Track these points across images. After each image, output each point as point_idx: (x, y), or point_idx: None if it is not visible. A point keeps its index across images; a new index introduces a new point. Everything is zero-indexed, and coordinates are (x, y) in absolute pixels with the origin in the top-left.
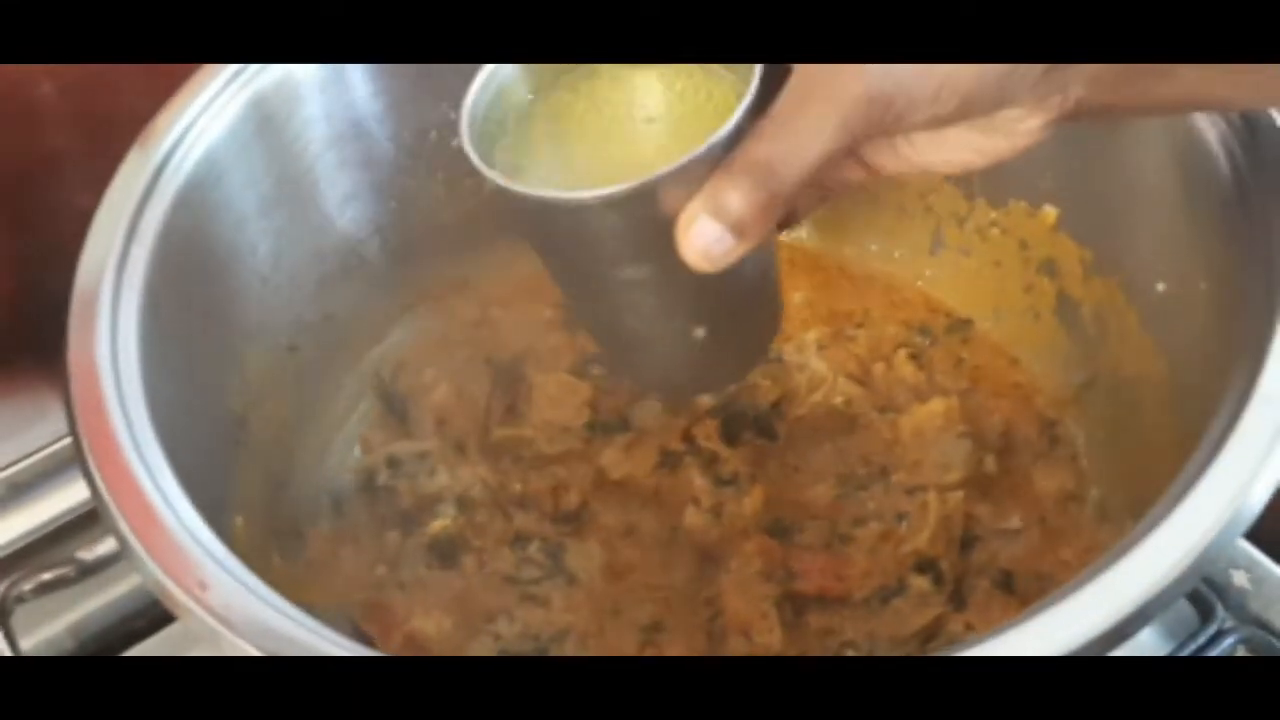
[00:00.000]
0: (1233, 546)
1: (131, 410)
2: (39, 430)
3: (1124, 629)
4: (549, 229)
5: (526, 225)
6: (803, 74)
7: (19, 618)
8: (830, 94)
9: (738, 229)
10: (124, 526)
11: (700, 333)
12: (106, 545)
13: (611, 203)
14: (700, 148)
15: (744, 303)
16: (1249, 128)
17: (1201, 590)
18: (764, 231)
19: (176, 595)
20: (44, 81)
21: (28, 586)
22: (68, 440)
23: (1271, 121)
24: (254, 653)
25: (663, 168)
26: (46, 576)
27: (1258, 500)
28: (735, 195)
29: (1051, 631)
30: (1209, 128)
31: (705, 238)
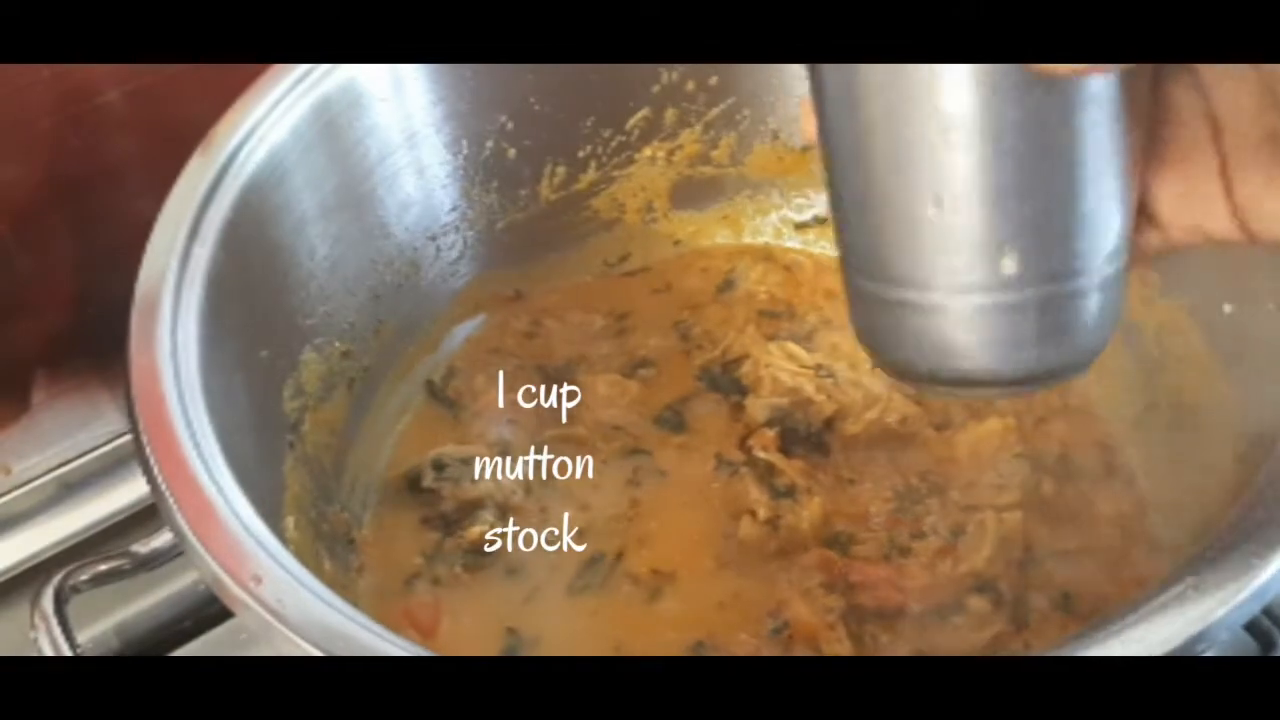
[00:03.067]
0: None
1: (190, 409)
2: (93, 430)
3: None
4: None
5: None
6: None
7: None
8: None
9: None
10: (182, 521)
11: (1011, 264)
12: (162, 539)
13: None
14: None
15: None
16: None
17: (1261, 621)
18: None
19: (231, 589)
20: (110, 89)
21: (84, 577)
22: (119, 441)
23: None
24: (306, 646)
25: None
26: (103, 567)
27: None
28: None
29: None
30: None
31: None
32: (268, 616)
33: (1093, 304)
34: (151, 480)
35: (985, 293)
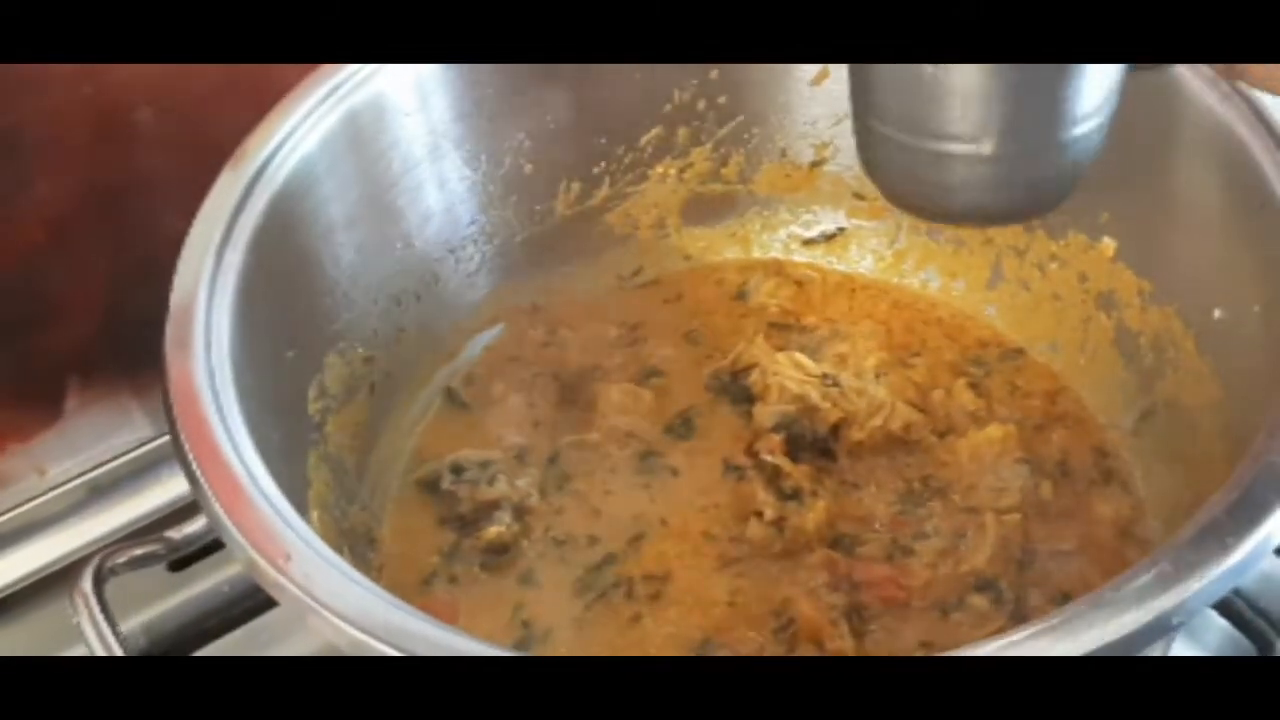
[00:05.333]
0: None
1: (224, 402)
2: (123, 436)
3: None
4: None
5: None
6: None
7: None
8: None
9: None
10: (215, 503)
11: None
12: (194, 525)
13: None
14: None
15: None
16: None
17: (1257, 623)
18: None
19: (263, 566)
20: (144, 105)
21: (121, 559)
22: (149, 446)
23: None
24: (334, 620)
25: None
26: (139, 551)
27: None
28: None
29: (1071, 637)
30: (1262, 153)
31: None
32: (297, 592)
33: (1064, 160)
34: (185, 465)
35: (969, 143)
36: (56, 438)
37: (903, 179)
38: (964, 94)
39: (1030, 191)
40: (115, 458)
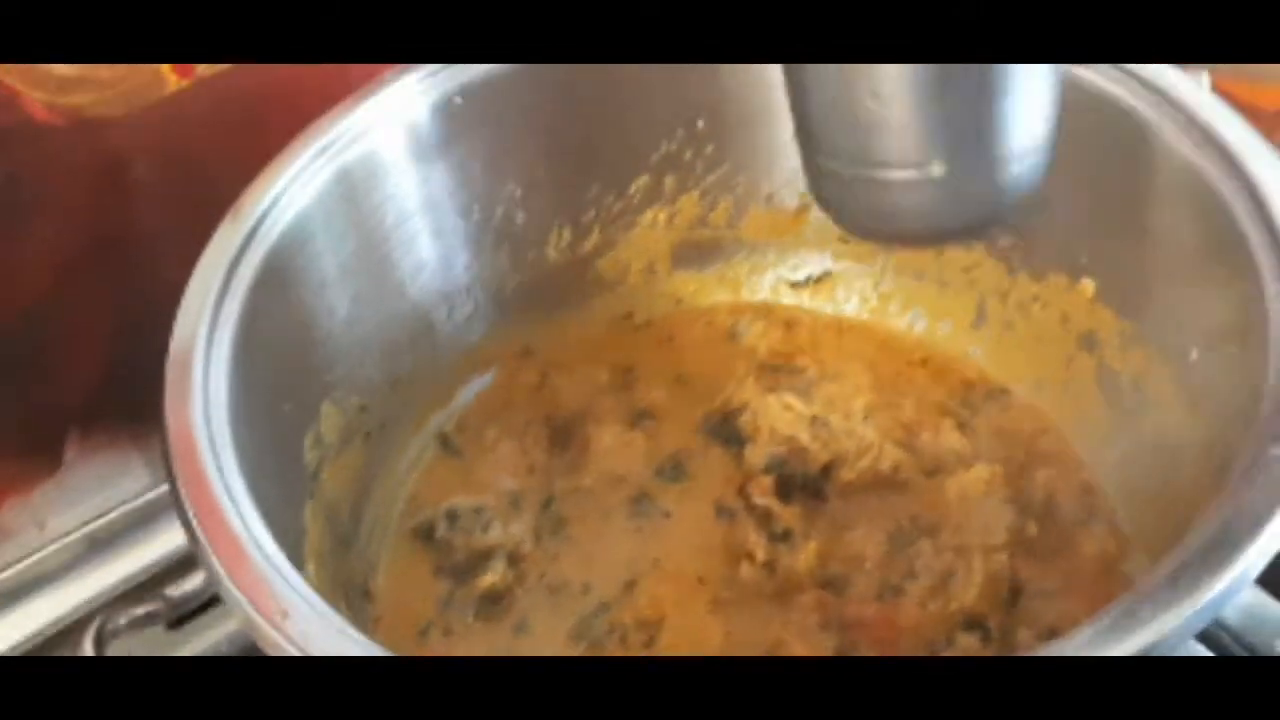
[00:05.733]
0: None
1: (222, 458)
2: (122, 488)
3: None
4: None
5: None
6: None
7: None
8: None
9: None
10: (216, 562)
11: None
12: (192, 583)
13: None
14: None
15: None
16: (1260, 198)
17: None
18: None
19: (260, 624)
20: (144, 159)
21: (122, 621)
22: (149, 497)
23: None
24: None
25: None
26: (139, 611)
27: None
28: None
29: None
30: (1233, 197)
31: None
32: (295, 651)
33: (1014, 171)
34: (185, 520)
35: (915, 169)
36: (56, 489)
37: (855, 209)
38: (903, 121)
39: (982, 205)
40: (114, 508)
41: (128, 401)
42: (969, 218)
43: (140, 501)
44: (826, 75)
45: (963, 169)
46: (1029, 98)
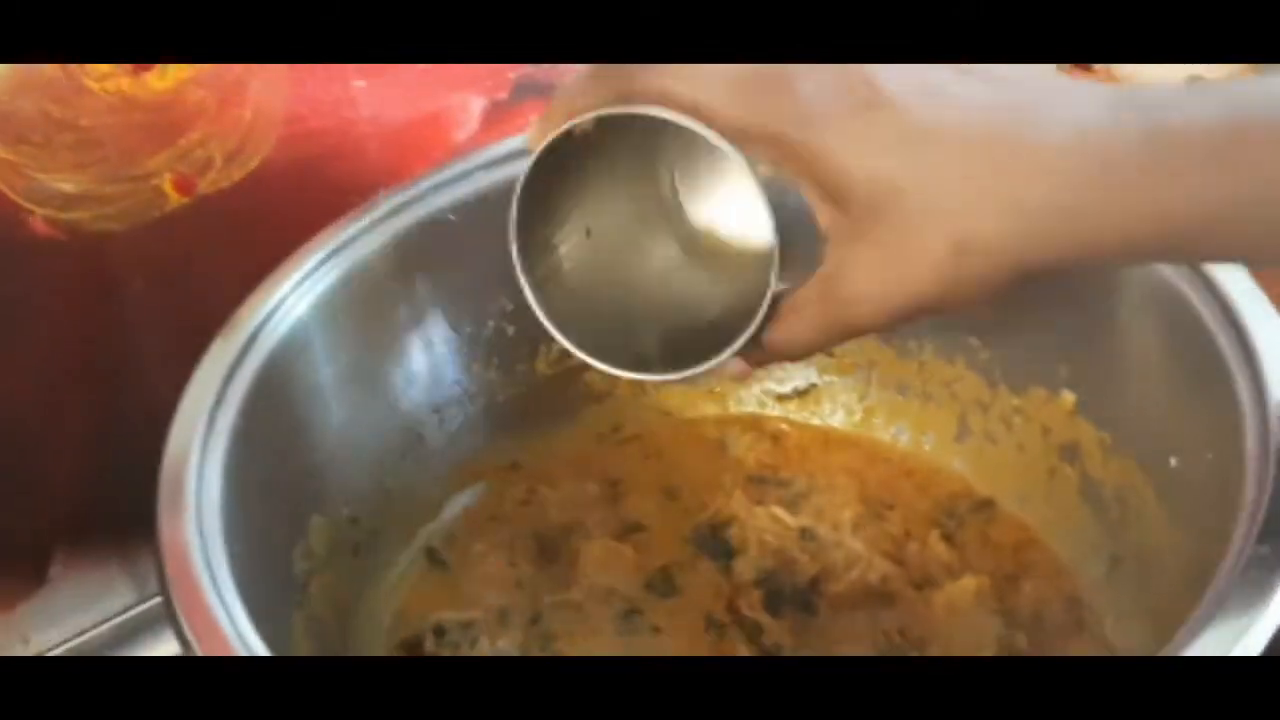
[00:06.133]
0: None
1: (216, 572)
2: (106, 604)
3: None
4: None
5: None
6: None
7: None
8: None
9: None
10: None
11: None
12: None
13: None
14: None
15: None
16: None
17: None
18: None
19: None
20: (137, 277)
21: None
22: (133, 612)
23: (1257, 302)
24: None
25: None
26: None
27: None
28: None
29: None
30: (1201, 307)
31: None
32: None
33: None
34: (178, 629)
35: None
36: (40, 605)
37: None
38: None
39: None
40: (97, 624)
41: (114, 518)
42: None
43: (124, 617)
44: None
45: None
46: None
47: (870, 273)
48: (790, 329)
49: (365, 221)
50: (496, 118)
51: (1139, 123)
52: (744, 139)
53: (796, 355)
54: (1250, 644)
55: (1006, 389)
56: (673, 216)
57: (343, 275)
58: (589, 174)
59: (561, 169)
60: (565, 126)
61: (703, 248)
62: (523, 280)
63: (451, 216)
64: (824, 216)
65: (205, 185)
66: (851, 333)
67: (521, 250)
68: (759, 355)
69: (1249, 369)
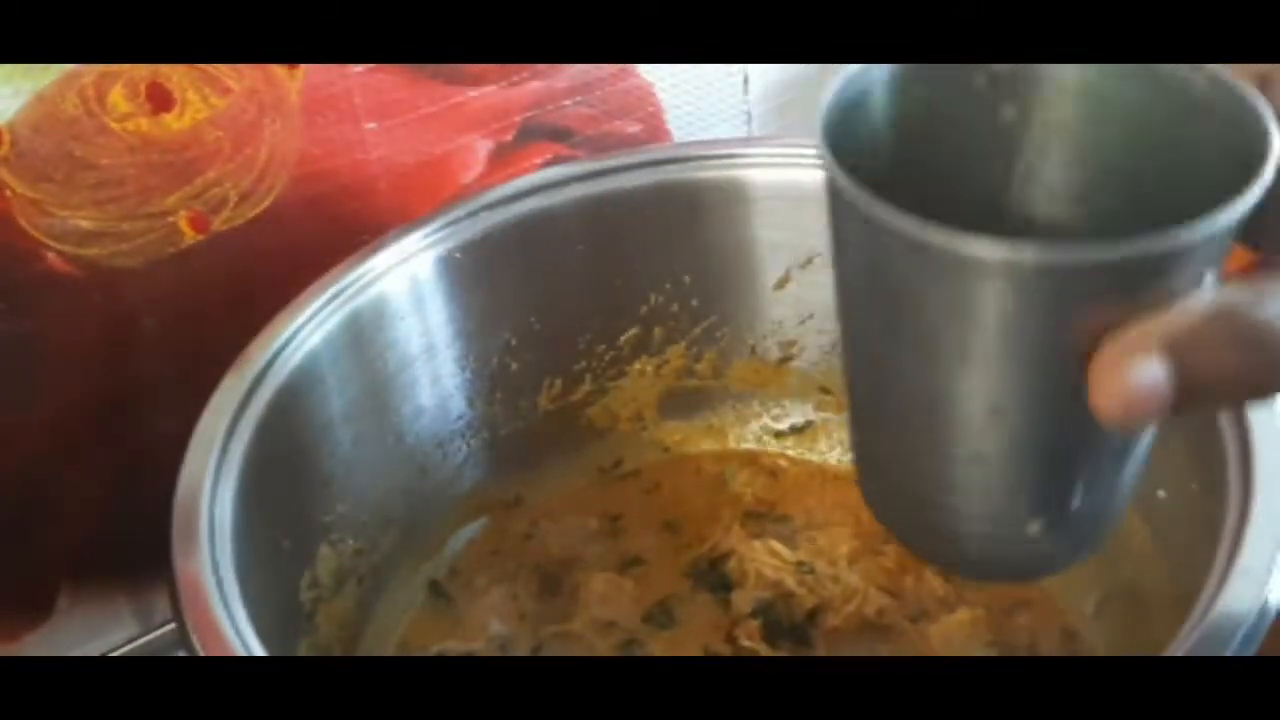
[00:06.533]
0: None
1: (230, 602)
2: (111, 636)
3: None
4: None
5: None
6: None
7: None
8: None
9: (1187, 390)
10: None
11: (1036, 528)
12: None
13: (1047, 271)
14: (1208, 225)
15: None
16: None
17: None
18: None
19: None
20: (150, 314)
21: None
22: (136, 643)
23: None
24: None
25: (1148, 242)
26: None
27: None
28: (1215, 351)
29: None
30: None
31: (1140, 380)
32: None
33: (1103, 525)
34: (191, 652)
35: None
36: (46, 638)
37: (920, 542)
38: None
39: (1056, 560)
40: (103, 655)
41: (122, 550)
42: (1040, 567)
43: (130, 647)
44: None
45: (1058, 532)
46: (1128, 477)
47: None
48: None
49: (375, 259)
50: (502, 160)
51: None
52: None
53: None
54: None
55: None
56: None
57: (352, 311)
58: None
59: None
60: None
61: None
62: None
63: (458, 255)
64: None
65: (219, 223)
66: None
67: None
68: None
69: None
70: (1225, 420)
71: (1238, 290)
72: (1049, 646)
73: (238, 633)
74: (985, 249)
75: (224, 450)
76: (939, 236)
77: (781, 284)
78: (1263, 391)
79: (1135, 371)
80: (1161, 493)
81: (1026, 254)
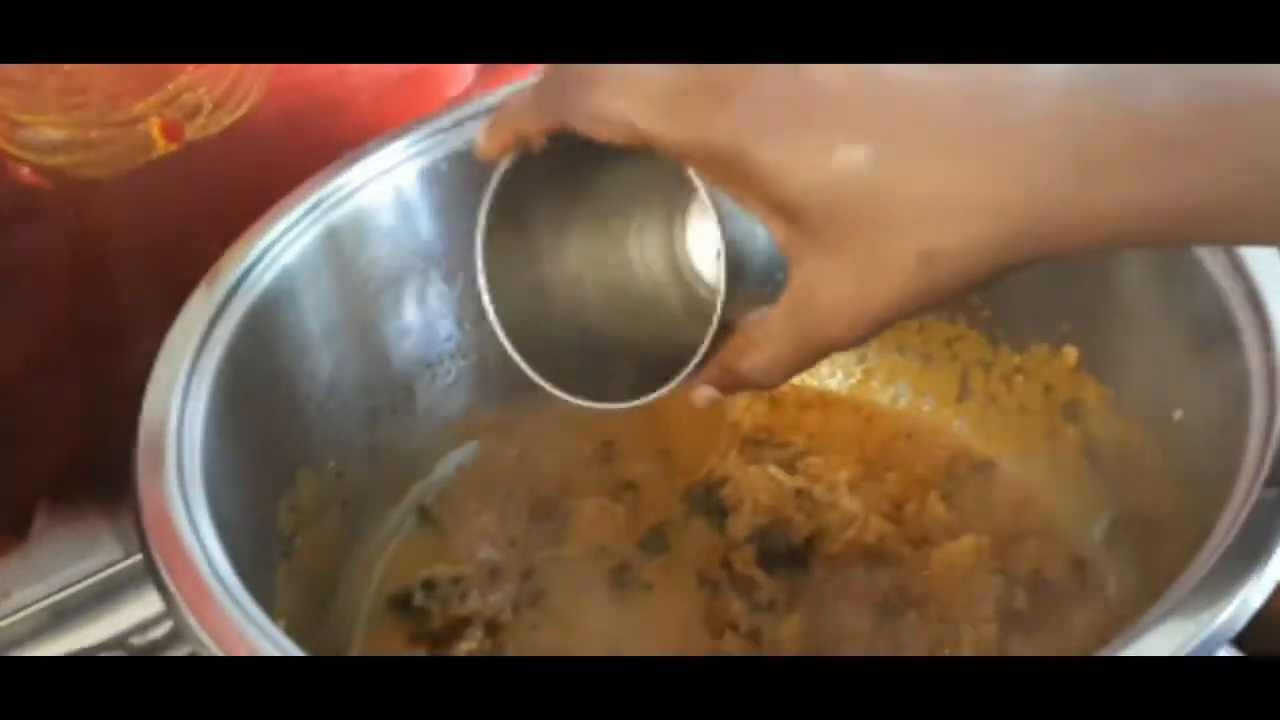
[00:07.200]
0: None
1: (197, 516)
2: (90, 560)
3: None
4: None
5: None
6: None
7: None
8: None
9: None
10: (181, 604)
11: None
12: (159, 631)
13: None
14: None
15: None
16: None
17: None
18: None
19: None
20: (119, 234)
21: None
22: (115, 569)
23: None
24: None
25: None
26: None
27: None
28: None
29: None
30: (1207, 255)
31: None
32: None
33: None
34: (155, 573)
35: None
36: (21, 561)
37: None
38: None
39: None
40: (81, 580)
41: (99, 473)
42: None
43: (109, 573)
44: None
45: None
46: None
47: (839, 290)
48: (762, 355)
49: (355, 169)
50: (491, 72)
51: (1111, 106)
52: (685, 158)
53: (773, 381)
54: (1253, 592)
55: (1008, 347)
56: (656, 235)
57: (331, 225)
58: (559, 187)
59: (527, 185)
60: (514, 157)
61: (685, 273)
62: (490, 309)
63: (444, 167)
64: (779, 234)
65: (193, 131)
66: (826, 351)
67: (489, 274)
68: (729, 380)
69: (1255, 315)
70: (1250, 337)
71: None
72: (1055, 573)
73: (208, 559)
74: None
75: (192, 370)
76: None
77: None
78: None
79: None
80: (1178, 413)
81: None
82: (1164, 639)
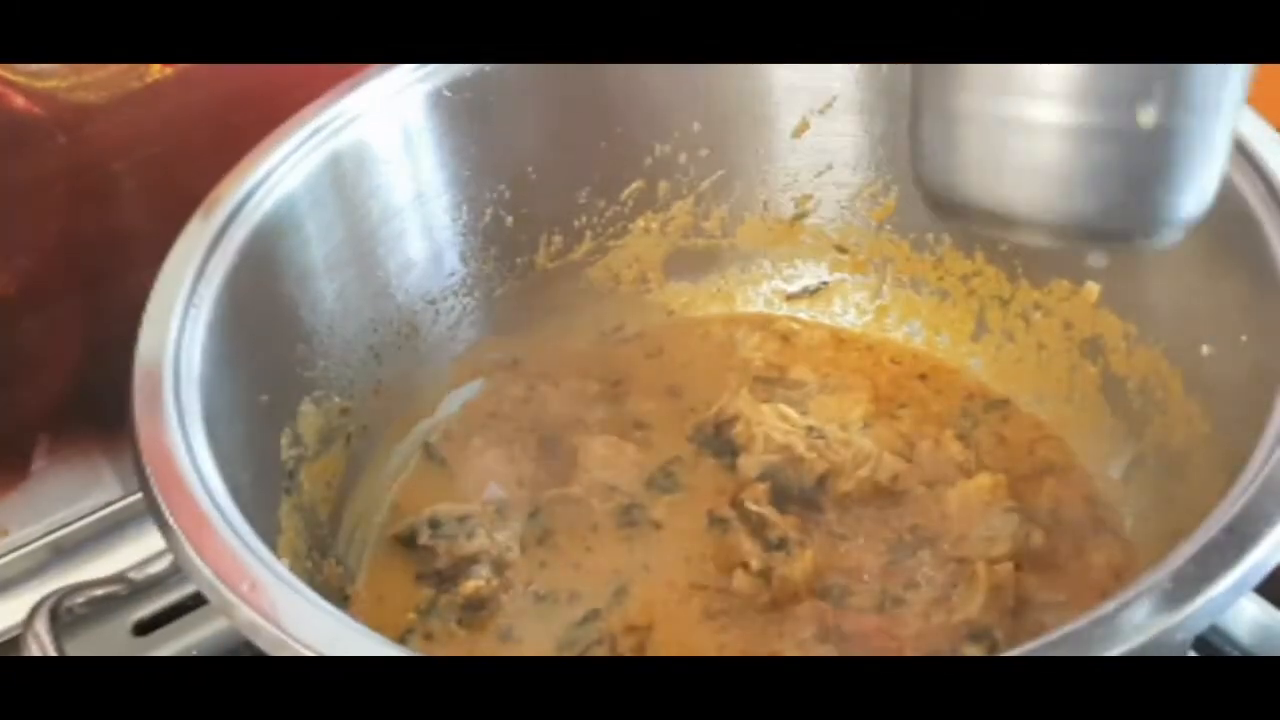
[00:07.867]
0: None
1: (196, 447)
2: (93, 497)
3: None
4: None
5: None
6: None
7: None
8: None
9: None
10: (181, 537)
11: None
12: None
13: None
14: None
15: None
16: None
17: None
18: None
19: (226, 595)
20: (121, 159)
21: (79, 599)
22: (116, 506)
23: None
24: (300, 650)
25: None
26: (98, 592)
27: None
28: None
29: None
30: (1241, 181)
31: None
32: (262, 621)
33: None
34: (154, 507)
35: (1114, 110)
36: (21, 497)
37: (989, 171)
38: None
39: (1154, 205)
40: (82, 518)
41: (101, 410)
42: (1127, 214)
43: (107, 511)
44: None
45: (1178, 129)
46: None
47: None
48: None
49: (357, 94)
50: None
51: None
52: None
53: None
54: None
55: (1028, 283)
56: None
57: (333, 152)
58: None
59: None
60: None
61: None
62: None
63: (448, 93)
64: None
65: None
66: None
67: None
68: None
69: None
70: None
71: None
72: (1073, 512)
73: (209, 493)
74: None
75: (190, 299)
76: None
77: (799, 131)
78: None
79: None
80: (1205, 348)
81: None
82: (1185, 585)
